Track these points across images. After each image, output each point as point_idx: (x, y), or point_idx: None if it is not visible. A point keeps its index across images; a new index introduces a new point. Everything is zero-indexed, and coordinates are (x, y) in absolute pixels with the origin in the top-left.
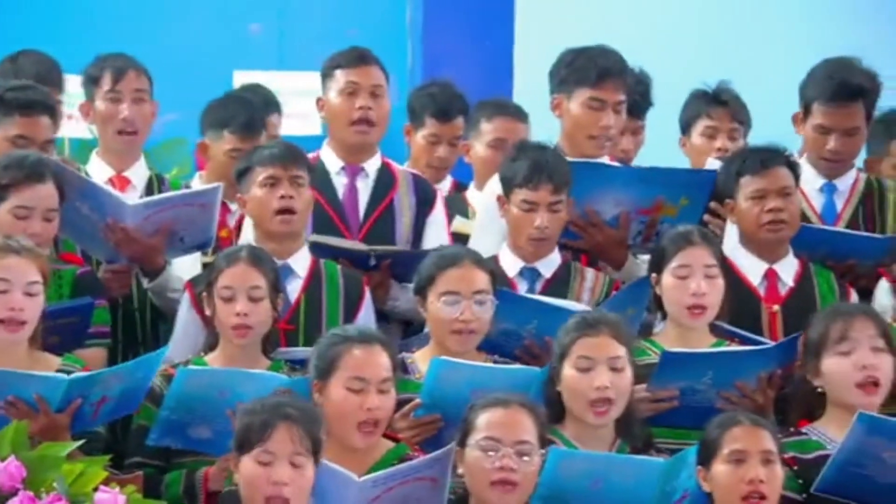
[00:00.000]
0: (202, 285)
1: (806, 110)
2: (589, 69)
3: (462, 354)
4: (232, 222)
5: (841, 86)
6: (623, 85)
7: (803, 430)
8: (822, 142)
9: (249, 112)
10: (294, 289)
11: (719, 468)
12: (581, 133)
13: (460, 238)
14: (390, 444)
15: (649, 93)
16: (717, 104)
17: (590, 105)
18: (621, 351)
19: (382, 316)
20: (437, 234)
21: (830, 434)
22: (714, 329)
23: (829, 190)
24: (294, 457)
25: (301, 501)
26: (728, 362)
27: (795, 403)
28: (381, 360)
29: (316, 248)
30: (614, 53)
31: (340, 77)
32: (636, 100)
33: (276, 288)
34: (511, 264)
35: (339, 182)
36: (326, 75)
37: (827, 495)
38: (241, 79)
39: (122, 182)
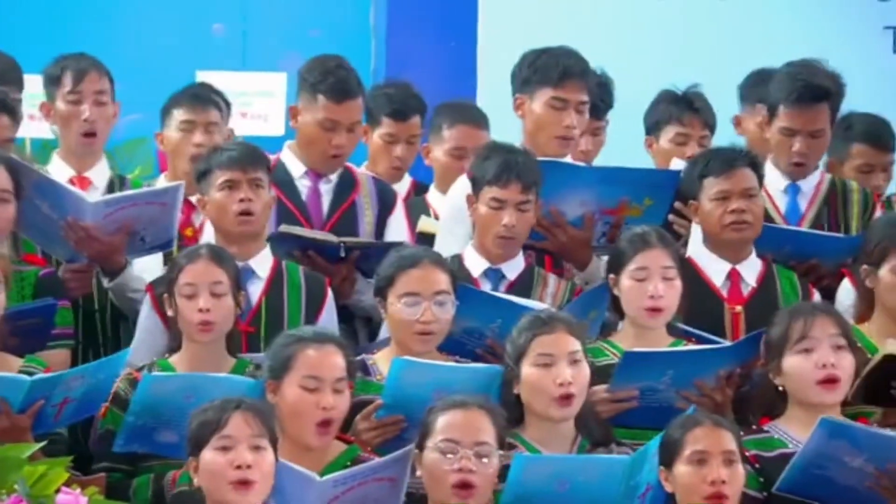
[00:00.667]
0: (163, 286)
1: (771, 113)
2: (551, 69)
3: (423, 355)
4: (198, 221)
5: (806, 88)
6: (585, 85)
7: (765, 427)
8: (788, 144)
9: (197, 88)
10: (255, 291)
11: (681, 469)
12: (543, 133)
13: (426, 237)
14: (343, 446)
15: (611, 94)
16: (689, 110)
17: (552, 105)
18: (578, 345)
19: (346, 318)
20: (397, 234)
21: (792, 432)
22: (671, 329)
23: (793, 191)
24: (253, 439)
25: (265, 486)
26: (688, 361)
27: (756, 401)
28: (336, 360)
29: (282, 243)
30: (576, 54)
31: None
32: (597, 101)
33: (238, 286)
34: (475, 264)
35: (302, 185)
36: (303, 88)
37: (789, 495)
38: (203, 79)
39: (83, 183)
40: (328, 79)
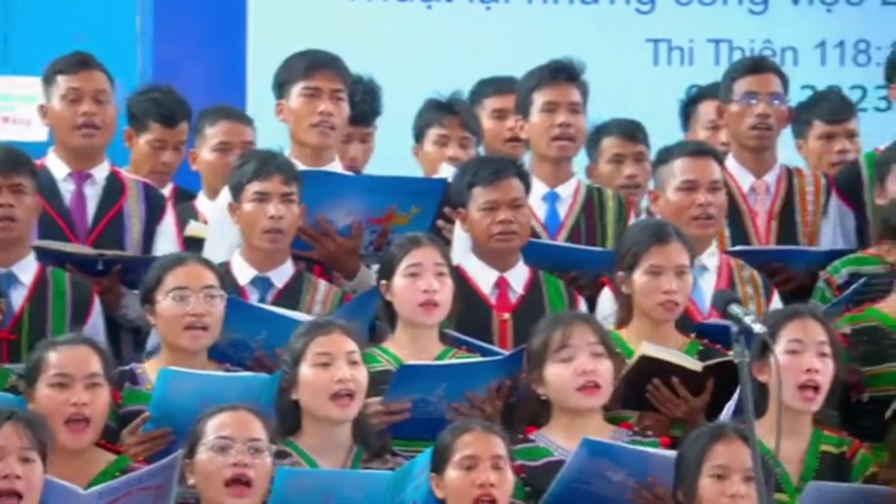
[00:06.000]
0: None
1: (527, 102)
2: (299, 63)
3: (194, 357)
4: None
5: (556, 65)
6: (337, 75)
7: (531, 436)
8: (550, 120)
9: None
10: (18, 298)
11: (451, 474)
12: (302, 126)
13: (194, 242)
14: (111, 456)
15: (378, 100)
16: (449, 113)
17: (304, 94)
18: (355, 347)
19: (111, 329)
20: (166, 242)
21: (557, 440)
22: (443, 337)
23: (551, 198)
24: (23, 451)
25: (33, 499)
26: (461, 374)
27: (521, 411)
28: (87, 358)
29: (42, 255)
30: (326, 51)
31: (62, 83)
32: (365, 108)
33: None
34: (243, 273)
35: (66, 189)
36: (48, 81)
37: None
38: None
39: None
40: (64, 59)
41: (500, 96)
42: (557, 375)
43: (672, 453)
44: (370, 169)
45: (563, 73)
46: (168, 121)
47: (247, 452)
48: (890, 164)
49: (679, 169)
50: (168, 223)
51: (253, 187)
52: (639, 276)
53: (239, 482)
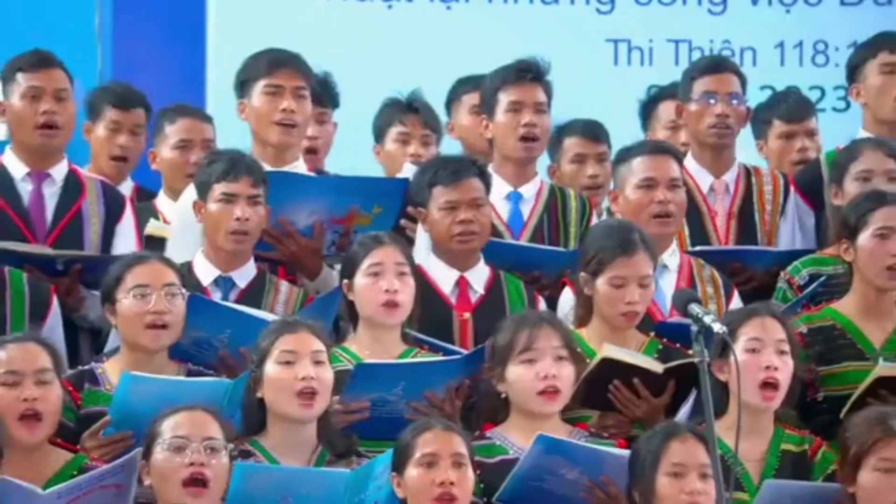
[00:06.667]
0: None
1: (492, 103)
2: (261, 61)
3: (155, 356)
4: None
5: (520, 65)
6: (300, 73)
7: (487, 434)
8: (516, 120)
9: None
10: None
11: (412, 472)
12: (264, 124)
13: (155, 241)
14: (68, 455)
15: (332, 88)
16: (409, 111)
17: (267, 92)
18: (321, 346)
19: (72, 327)
20: (126, 242)
21: (513, 438)
22: (405, 337)
23: (515, 198)
24: None
25: None
26: (419, 373)
27: (480, 407)
28: (36, 354)
29: (0, 256)
30: (288, 50)
31: (22, 81)
32: (319, 96)
33: None
34: (206, 273)
35: (24, 188)
36: (7, 79)
37: None
38: None
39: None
40: (24, 57)
41: (478, 92)
42: (519, 377)
43: (626, 452)
44: (331, 166)
45: (528, 73)
46: (123, 103)
47: (203, 452)
48: (846, 165)
49: (638, 167)
50: (127, 222)
51: (220, 188)
52: (602, 285)
53: (196, 482)
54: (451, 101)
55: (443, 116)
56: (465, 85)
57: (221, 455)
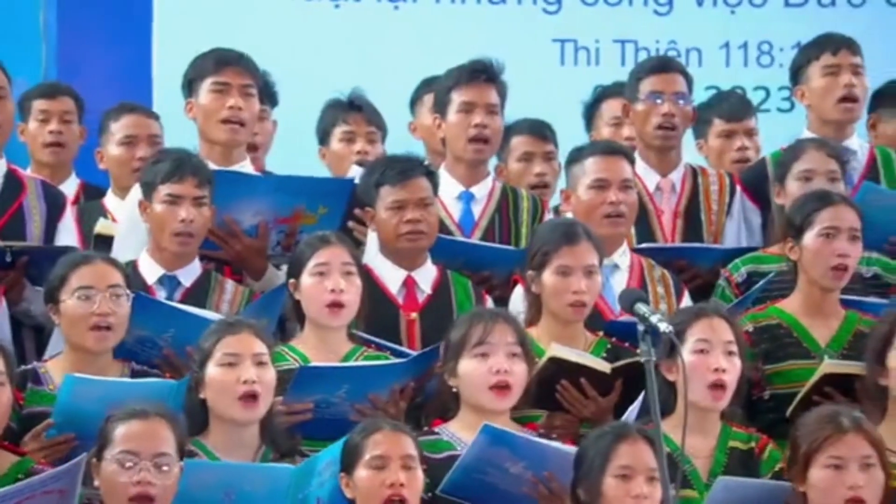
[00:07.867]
0: None
1: (445, 101)
2: (208, 59)
3: (98, 356)
4: None
5: (475, 65)
6: (247, 71)
7: (436, 429)
8: (468, 121)
9: None
10: None
11: (361, 473)
12: (211, 122)
13: (104, 240)
14: (14, 458)
15: (270, 85)
16: (352, 110)
17: (214, 90)
18: (263, 348)
19: (16, 324)
20: (67, 238)
21: (461, 435)
22: (352, 336)
23: (466, 198)
24: None
25: None
26: (364, 376)
27: (431, 402)
28: None
29: None
30: (235, 49)
31: None
32: (261, 94)
33: None
34: (151, 271)
35: None
36: None
37: (452, 497)
38: None
39: None
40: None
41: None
42: (471, 371)
43: (572, 449)
44: (278, 167)
45: (482, 74)
46: (48, 92)
47: (152, 469)
48: (789, 165)
49: (590, 167)
50: (68, 220)
51: (165, 189)
52: (548, 276)
53: (142, 498)
54: (415, 101)
55: (387, 116)
56: (427, 85)
57: (171, 469)
